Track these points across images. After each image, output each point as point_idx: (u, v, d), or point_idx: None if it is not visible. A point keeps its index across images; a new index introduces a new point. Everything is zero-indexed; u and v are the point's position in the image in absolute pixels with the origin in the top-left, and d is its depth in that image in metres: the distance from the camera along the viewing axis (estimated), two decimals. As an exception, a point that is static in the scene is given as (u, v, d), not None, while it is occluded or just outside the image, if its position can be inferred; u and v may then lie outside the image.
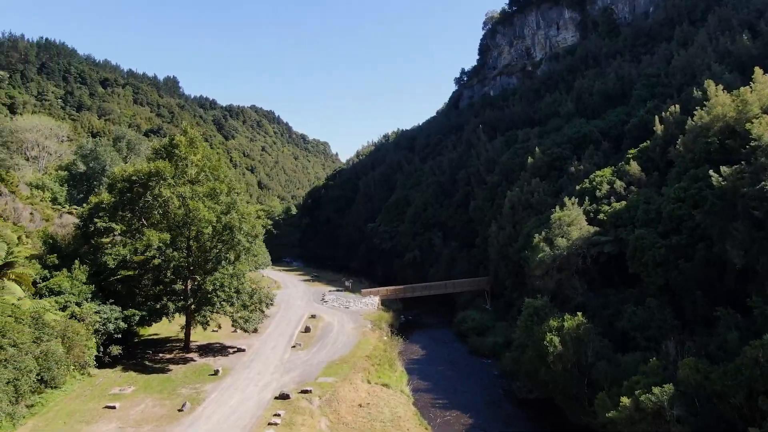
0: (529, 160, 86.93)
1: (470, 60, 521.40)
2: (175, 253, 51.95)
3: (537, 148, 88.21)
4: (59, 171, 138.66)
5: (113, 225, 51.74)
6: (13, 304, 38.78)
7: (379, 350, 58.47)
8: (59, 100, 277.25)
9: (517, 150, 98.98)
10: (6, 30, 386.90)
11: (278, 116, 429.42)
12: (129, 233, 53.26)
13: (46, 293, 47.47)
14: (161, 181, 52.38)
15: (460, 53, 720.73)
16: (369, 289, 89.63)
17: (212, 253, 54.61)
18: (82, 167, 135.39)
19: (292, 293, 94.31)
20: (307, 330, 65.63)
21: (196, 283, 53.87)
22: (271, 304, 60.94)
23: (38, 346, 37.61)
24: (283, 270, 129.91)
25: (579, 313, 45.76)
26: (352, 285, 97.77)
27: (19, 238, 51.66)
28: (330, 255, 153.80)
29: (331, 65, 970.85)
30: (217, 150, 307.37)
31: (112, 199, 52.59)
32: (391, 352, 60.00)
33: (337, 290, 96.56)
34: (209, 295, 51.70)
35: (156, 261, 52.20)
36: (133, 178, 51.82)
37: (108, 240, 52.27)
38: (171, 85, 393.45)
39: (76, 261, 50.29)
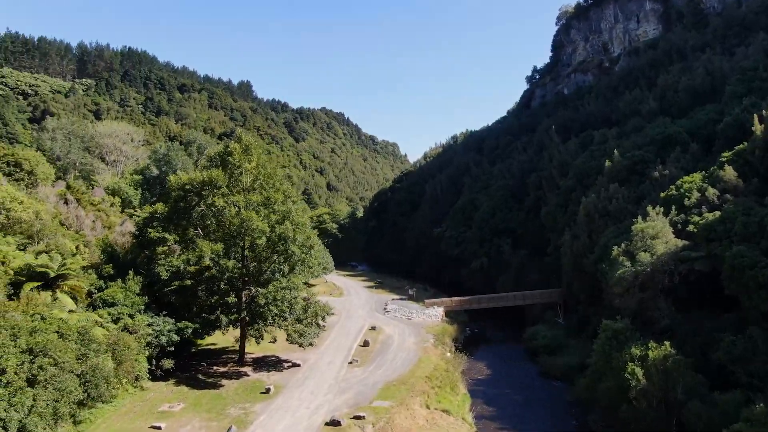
0: (607, 163, 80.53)
1: (543, 57, 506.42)
2: (230, 264, 50.28)
3: (615, 151, 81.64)
4: (134, 175, 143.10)
5: (166, 235, 50.66)
6: (60, 318, 37.85)
7: (440, 370, 54.73)
8: (140, 106, 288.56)
9: (593, 152, 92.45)
10: (93, 41, 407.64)
11: (348, 118, 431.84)
12: (183, 243, 52.10)
13: (100, 304, 46.80)
14: (215, 190, 50.89)
15: (532, 51, 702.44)
16: (433, 300, 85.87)
17: (267, 265, 52.69)
18: (155, 171, 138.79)
19: (354, 301, 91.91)
20: (365, 344, 62.75)
21: (249, 295, 52.03)
22: (332, 314, 58.71)
23: (83, 363, 36.36)
24: (348, 275, 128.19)
25: (666, 343, 40.33)
26: (416, 294, 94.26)
27: (77, 247, 51.56)
28: (395, 259, 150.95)
29: (401, 65, 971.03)
30: (286, 151, 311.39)
31: (166, 208, 51.56)
32: (453, 372, 56.08)
33: (400, 299, 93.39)
34: (261, 309, 49.66)
35: (210, 272, 50.73)
36: (187, 186, 50.58)
37: (162, 250, 51.25)
38: (244, 89, 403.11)
39: (130, 272, 49.51)
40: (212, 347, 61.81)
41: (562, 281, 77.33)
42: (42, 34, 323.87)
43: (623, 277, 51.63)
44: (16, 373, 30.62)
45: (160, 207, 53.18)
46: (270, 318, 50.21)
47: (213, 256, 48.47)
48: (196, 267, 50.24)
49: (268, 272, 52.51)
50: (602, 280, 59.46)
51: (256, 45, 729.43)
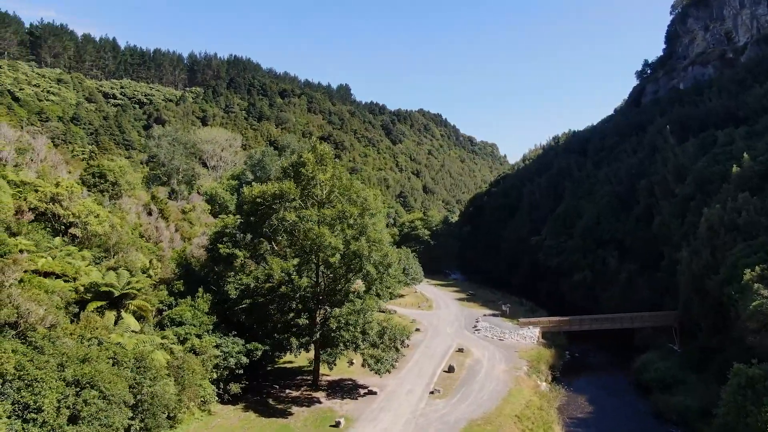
0: (734, 168, 70.03)
1: (655, 50, 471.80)
2: (302, 282, 47.00)
3: (745, 154, 70.84)
4: (230, 180, 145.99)
5: (236, 251, 48.12)
6: (118, 343, 35.83)
7: (533, 407, 48.42)
8: (243, 112, 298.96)
9: (716, 155, 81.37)
10: (203, 51, 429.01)
11: (445, 119, 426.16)
12: (254, 259, 49.44)
13: (168, 323, 44.98)
14: (286, 204, 47.78)
15: (642, 44, 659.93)
16: (528, 319, 78.68)
17: (341, 283, 48.92)
18: (250, 176, 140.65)
19: (443, 316, 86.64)
20: (450, 370, 57.42)
21: (322, 316, 48.46)
22: (417, 329, 54.05)
23: (138, 392, 34.01)
24: (439, 285, 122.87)
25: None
26: (510, 310, 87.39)
27: (150, 262, 50.31)
28: (490, 268, 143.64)
29: (501, 63, 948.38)
30: (383, 154, 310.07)
31: (237, 222, 49.15)
32: (548, 410, 49.58)
33: (493, 315, 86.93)
34: (332, 334, 45.85)
35: (282, 289, 47.66)
36: (258, 200, 47.81)
37: (237, 264, 48.66)
38: (343, 92, 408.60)
39: (200, 289, 47.44)
40: (288, 366, 59.07)
41: (679, 302, 67.98)
42: (157, 47, 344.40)
43: (760, 310, 42.92)
44: (58, 408, 28.41)
45: (230, 220, 50.93)
46: (342, 345, 46.33)
47: (283, 275, 45.30)
48: (269, 284, 47.25)
49: (342, 292, 48.69)
50: (731, 308, 50.66)
51: (356, 49, 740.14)
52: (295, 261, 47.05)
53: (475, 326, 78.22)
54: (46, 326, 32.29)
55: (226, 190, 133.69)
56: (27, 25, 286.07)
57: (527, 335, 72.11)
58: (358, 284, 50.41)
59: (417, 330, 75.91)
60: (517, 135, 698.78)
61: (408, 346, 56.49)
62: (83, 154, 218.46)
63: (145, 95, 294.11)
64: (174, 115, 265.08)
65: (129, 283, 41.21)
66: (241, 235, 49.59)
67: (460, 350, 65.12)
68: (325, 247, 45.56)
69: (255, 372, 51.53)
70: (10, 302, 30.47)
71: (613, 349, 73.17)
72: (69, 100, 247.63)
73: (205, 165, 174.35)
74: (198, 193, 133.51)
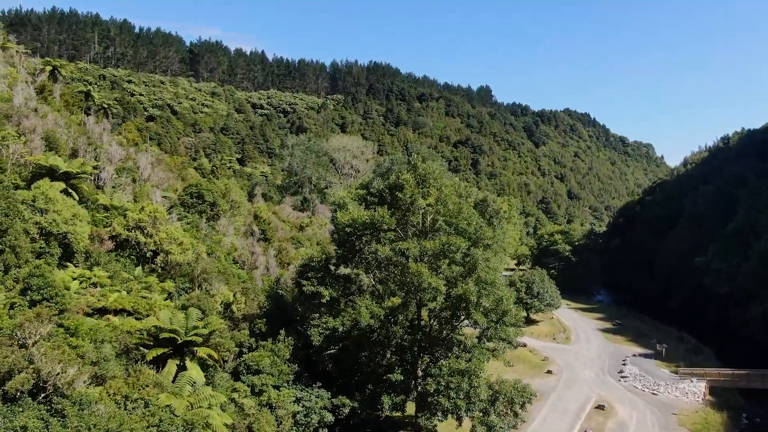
0: None
1: None
2: (397, 329, 39.23)
3: None
4: (358, 189, 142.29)
5: (321, 290, 41.35)
6: (168, 406, 30.39)
7: None
8: (380, 118, 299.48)
9: None
10: (344, 58, 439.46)
11: (594, 118, 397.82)
12: (345, 297, 42.48)
13: (243, 371, 39.33)
14: (381, 234, 40.22)
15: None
16: (691, 369, 63.76)
17: (447, 330, 40.38)
18: (379, 186, 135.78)
19: (582, 353, 74.10)
20: (585, 436, 46.33)
21: (423, 370, 40.23)
22: (543, 377, 43.60)
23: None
24: (580, 309, 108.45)
25: None
26: (666, 350, 72.43)
27: (234, 295, 45.31)
28: (641, 289, 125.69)
29: (658, 56, 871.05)
30: (524, 158, 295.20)
31: (323, 255, 42.50)
32: None
33: (644, 355, 72.64)
34: (429, 399, 37.39)
35: (375, 335, 40.24)
36: (348, 229, 40.75)
37: (323, 302, 41.94)
38: (484, 94, 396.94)
39: (281, 332, 41.32)
40: (395, 415, 51.37)
41: None
42: (302, 57, 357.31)
43: None
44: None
45: (317, 252, 44.43)
46: (440, 413, 37.73)
47: (372, 321, 37.78)
48: (358, 330, 40.03)
49: (446, 342, 40.13)
50: None
51: (498, 48, 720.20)
52: (391, 303, 39.24)
53: (621, 371, 65.11)
54: (77, 388, 27.48)
55: (354, 200, 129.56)
56: (187, 44, 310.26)
57: (689, 390, 57.98)
58: (469, 331, 41.54)
59: (548, 372, 64.90)
60: (677, 134, 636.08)
61: (531, 403, 46.20)
62: (230, 163, 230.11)
63: (289, 104, 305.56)
64: (314, 122, 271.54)
65: (195, 327, 36.00)
66: (333, 268, 42.84)
67: (601, 407, 53.31)
68: (423, 289, 37.32)
69: (346, 429, 44.52)
70: (29, 365, 25.89)
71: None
72: (220, 112, 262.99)
73: (337, 174, 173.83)
74: (318, 203, 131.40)
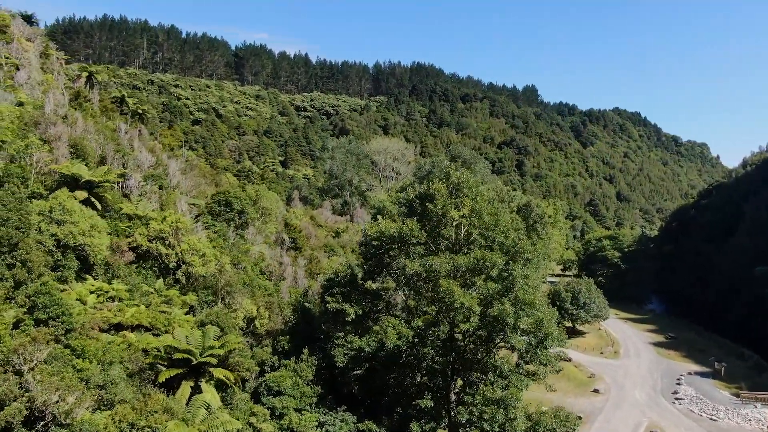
0: None
1: None
2: (427, 350, 36.38)
3: None
4: (398, 192, 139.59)
5: (346, 307, 38.78)
6: (177, 435, 28.33)
7: None
8: (423, 119, 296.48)
9: None
10: (387, 59, 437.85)
11: (645, 117, 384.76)
12: (371, 315, 39.81)
13: (264, 392, 37.13)
14: (410, 248, 37.39)
15: None
16: (754, 393, 58.48)
17: (480, 353, 37.23)
18: (418, 189, 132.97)
19: (631, 369, 69.37)
20: (635, 469, 42.34)
21: (455, 396, 37.20)
22: (590, 396, 39.88)
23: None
24: (630, 319, 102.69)
25: None
26: (725, 369, 67.02)
27: (258, 309, 43.20)
28: (697, 298, 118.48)
29: (713, 52, 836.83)
30: (571, 158, 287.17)
31: (348, 270, 39.90)
32: None
33: (701, 374, 67.42)
34: (461, 431, 34.31)
35: (404, 357, 37.46)
36: (374, 242, 38.07)
37: (348, 320, 39.41)
38: (529, 94, 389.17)
39: (305, 351, 38.94)
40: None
41: None
42: (345, 59, 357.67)
43: None
44: None
45: (341, 267, 41.81)
46: (472, 446, 34.59)
47: (399, 343, 35.00)
48: (385, 351, 37.31)
49: (480, 365, 36.96)
50: None
51: (544, 47, 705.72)
52: (421, 322, 36.35)
53: (676, 392, 60.31)
54: (78, 416, 25.68)
55: (393, 203, 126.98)
56: (233, 48, 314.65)
57: (752, 417, 52.90)
58: (507, 352, 38.34)
59: (595, 391, 60.74)
60: (735, 133, 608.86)
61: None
62: (273, 165, 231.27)
63: (332, 106, 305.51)
64: (357, 124, 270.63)
65: (211, 348, 33.96)
66: (360, 283, 40.26)
67: (653, 434, 49.13)
68: (455, 309, 34.32)
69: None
70: (24, 393, 24.19)
71: None
72: (264, 115, 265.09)
73: (378, 177, 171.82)
74: (358, 208, 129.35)
